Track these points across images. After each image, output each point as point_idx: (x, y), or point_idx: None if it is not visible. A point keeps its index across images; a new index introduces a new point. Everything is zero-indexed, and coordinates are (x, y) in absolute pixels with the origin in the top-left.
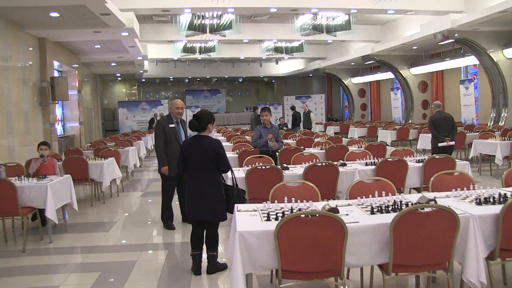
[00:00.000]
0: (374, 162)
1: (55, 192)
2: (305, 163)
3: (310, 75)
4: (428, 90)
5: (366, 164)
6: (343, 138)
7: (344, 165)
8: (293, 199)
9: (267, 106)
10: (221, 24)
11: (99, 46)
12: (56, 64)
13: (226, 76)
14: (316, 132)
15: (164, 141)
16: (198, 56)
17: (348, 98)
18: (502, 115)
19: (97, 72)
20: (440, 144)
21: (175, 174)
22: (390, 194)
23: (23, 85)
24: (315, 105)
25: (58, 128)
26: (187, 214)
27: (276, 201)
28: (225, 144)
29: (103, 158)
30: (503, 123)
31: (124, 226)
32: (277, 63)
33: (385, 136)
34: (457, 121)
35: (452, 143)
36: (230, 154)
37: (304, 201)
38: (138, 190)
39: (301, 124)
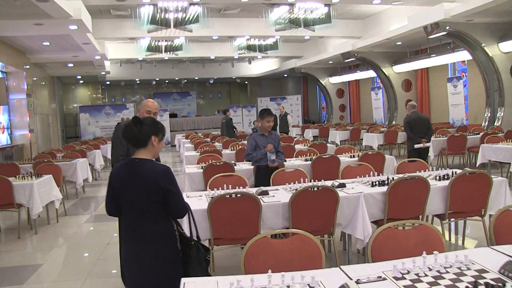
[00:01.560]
0: (383, 181)
1: None
2: (289, 184)
3: (285, 75)
4: (413, 89)
5: (373, 184)
6: (328, 144)
7: (342, 186)
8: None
9: (268, 108)
10: (187, 18)
11: (48, 44)
12: None
13: (196, 78)
14: (295, 137)
15: (126, 155)
16: (164, 56)
17: (325, 99)
18: (497, 114)
19: (54, 75)
20: (416, 146)
21: None
22: None
23: None
24: (291, 107)
25: (3, 137)
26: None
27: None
28: (191, 154)
29: (34, 177)
30: (499, 123)
31: (56, 273)
32: (250, 63)
33: (371, 139)
34: (445, 122)
35: (428, 144)
36: (194, 170)
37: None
38: (87, 212)
39: (278, 128)
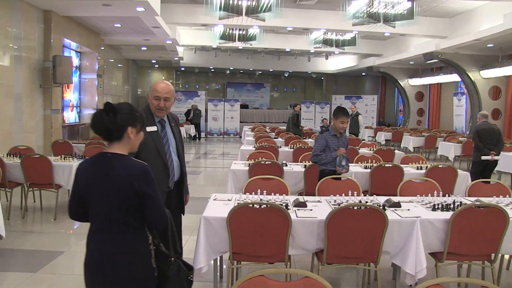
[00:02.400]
0: (448, 205)
1: None
2: (335, 196)
3: (363, 73)
4: (502, 98)
5: (434, 208)
6: (396, 151)
7: (396, 206)
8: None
9: (344, 108)
10: (259, 6)
11: (119, 25)
12: (73, 44)
13: (271, 70)
14: (363, 140)
15: (136, 157)
16: (239, 45)
17: (403, 101)
18: None
19: (129, 57)
20: (483, 158)
21: None
22: None
23: (17, 64)
24: (366, 107)
25: (72, 114)
26: None
27: None
28: (247, 148)
29: (75, 159)
30: None
31: (72, 265)
32: (326, 58)
33: (447, 149)
34: None
35: (497, 158)
36: (240, 166)
37: None
38: None
39: (347, 128)
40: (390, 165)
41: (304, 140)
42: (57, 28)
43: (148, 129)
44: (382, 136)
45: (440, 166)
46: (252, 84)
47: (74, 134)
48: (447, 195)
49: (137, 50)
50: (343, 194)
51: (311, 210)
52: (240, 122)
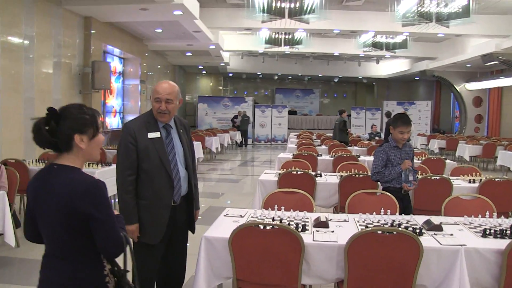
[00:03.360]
0: (502, 231)
1: None
2: (365, 215)
3: (416, 78)
4: None
5: (485, 234)
6: (448, 161)
7: (436, 229)
8: None
9: (404, 114)
10: (303, 8)
11: (160, 30)
12: (117, 51)
13: (320, 75)
14: (415, 148)
15: (138, 168)
16: (286, 49)
17: (460, 107)
18: None
19: (175, 63)
20: None
21: (161, 241)
22: None
23: (57, 70)
24: (419, 113)
25: (115, 120)
26: None
27: None
28: (286, 156)
29: (100, 166)
30: None
31: None
32: (377, 62)
33: (508, 159)
34: None
35: None
36: (269, 177)
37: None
38: None
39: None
40: (438, 177)
41: (349, 147)
42: (97, 34)
43: (150, 135)
44: (435, 144)
45: (496, 179)
46: (301, 90)
47: (116, 139)
48: (502, 216)
49: (182, 55)
50: (374, 213)
51: (333, 232)
52: (288, 128)
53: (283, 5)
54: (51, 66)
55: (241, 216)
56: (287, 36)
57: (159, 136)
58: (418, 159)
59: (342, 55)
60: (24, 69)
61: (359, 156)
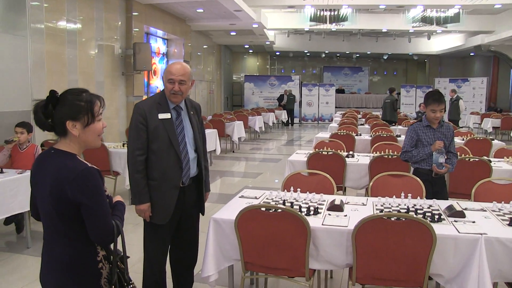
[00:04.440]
0: None
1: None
2: (384, 198)
3: (472, 54)
4: None
5: None
6: (496, 141)
7: (459, 215)
8: None
9: (437, 91)
10: None
11: (202, 10)
12: (160, 32)
13: (368, 52)
14: (461, 127)
15: (147, 149)
16: (331, 27)
17: None
18: None
19: (220, 43)
20: None
21: (169, 221)
22: None
23: (99, 53)
24: (473, 91)
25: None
26: None
27: None
28: (323, 135)
29: None
30: None
31: None
32: (429, 38)
33: None
34: None
35: None
36: (299, 157)
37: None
38: None
39: (446, 115)
40: (475, 159)
41: (393, 127)
42: (139, 16)
43: (161, 116)
44: (489, 123)
45: None
46: (350, 68)
47: None
48: None
49: (226, 35)
50: (394, 196)
51: (345, 216)
52: (336, 107)
53: None
54: (94, 49)
55: (256, 198)
56: (332, 13)
57: (169, 117)
58: (462, 139)
59: (391, 31)
60: (67, 52)
61: (399, 136)
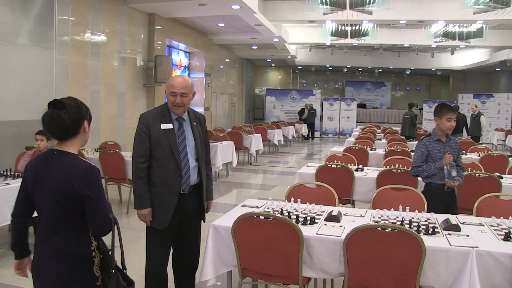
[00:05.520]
0: None
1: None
2: (383, 210)
3: (497, 69)
4: None
5: (507, 237)
6: None
7: (453, 229)
8: None
9: (447, 103)
10: None
11: (223, 25)
12: (182, 45)
13: (390, 67)
14: (479, 143)
15: (150, 157)
16: (352, 41)
17: None
18: None
19: (242, 56)
20: None
21: (170, 226)
22: None
23: (121, 65)
24: (499, 107)
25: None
26: None
27: None
28: (338, 149)
29: None
30: None
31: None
32: (452, 53)
33: None
34: None
35: None
36: (309, 169)
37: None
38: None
39: (464, 130)
40: (484, 175)
41: (410, 142)
42: (161, 29)
43: (163, 126)
44: None
45: None
46: (372, 82)
47: None
48: None
49: (248, 49)
50: (392, 209)
51: (341, 226)
52: (357, 122)
53: None
54: (116, 60)
55: (257, 207)
56: (353, 28)
57: (171, 127)
58: (478, 155)
59: (413, 46)
60: (91, 64)
61: (413, 151)
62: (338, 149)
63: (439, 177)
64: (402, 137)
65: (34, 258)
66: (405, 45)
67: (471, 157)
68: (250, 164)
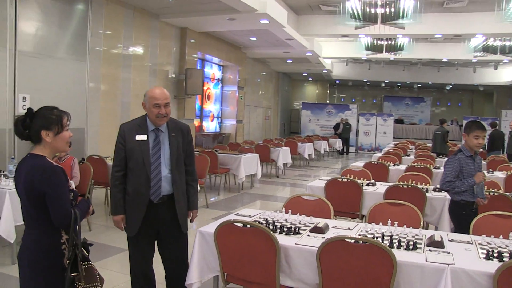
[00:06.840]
0: (501, 254)
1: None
2: (371, 224)
3: None
4: None
5: (488, 256)
6: None
7: (437, 245)
8: None
9: (476, 120)
10: (397, 12)
11: (255, 39)
12: (215, 59)
13: (430, 82)
14: None
15: (125, 166)
16: (389, 56)
17: None
18: None
19: (278, 70)
20: None
21: (144, 234)
22: None
23: (152, 77)
24: None
25: (212, 124)
26: None
27: None
28: (359, 165)
29: None
30: None
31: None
32: (495, 68)
33: None
34: None
35: None
36: (320, 183)
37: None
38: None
39: (504, 147)
40: (497, 193)
41: (439, 159)
42: (194, 43)
43: (138, 137)
44: None
45: None
46: (411, 98)
47: (213, 143)
48: None
49: (283, 63)
50: (381, 223)
51: (323, 237)
52: (394, 138)
53: (376, 10)
54: (147, 73)
55: (249, 216)
56: (388, 42)
57: (146, 139)
58: (506, 174)
59: (453, 61)
60: (122, 76)
61: (437, 168)
62: (360, 164)
63: (470, 195)
64: (432, 153)
65: (19, 248)
66: (443, 60)
67: (498, 175)
68: (277, 176)
